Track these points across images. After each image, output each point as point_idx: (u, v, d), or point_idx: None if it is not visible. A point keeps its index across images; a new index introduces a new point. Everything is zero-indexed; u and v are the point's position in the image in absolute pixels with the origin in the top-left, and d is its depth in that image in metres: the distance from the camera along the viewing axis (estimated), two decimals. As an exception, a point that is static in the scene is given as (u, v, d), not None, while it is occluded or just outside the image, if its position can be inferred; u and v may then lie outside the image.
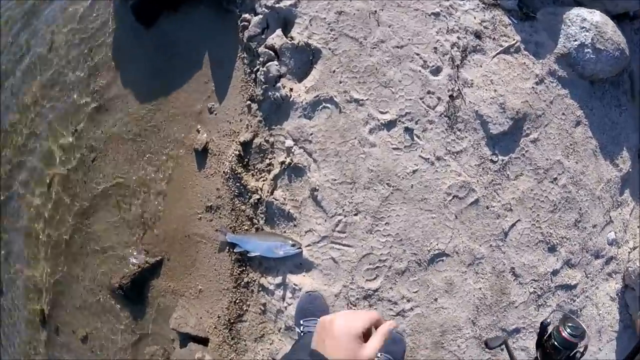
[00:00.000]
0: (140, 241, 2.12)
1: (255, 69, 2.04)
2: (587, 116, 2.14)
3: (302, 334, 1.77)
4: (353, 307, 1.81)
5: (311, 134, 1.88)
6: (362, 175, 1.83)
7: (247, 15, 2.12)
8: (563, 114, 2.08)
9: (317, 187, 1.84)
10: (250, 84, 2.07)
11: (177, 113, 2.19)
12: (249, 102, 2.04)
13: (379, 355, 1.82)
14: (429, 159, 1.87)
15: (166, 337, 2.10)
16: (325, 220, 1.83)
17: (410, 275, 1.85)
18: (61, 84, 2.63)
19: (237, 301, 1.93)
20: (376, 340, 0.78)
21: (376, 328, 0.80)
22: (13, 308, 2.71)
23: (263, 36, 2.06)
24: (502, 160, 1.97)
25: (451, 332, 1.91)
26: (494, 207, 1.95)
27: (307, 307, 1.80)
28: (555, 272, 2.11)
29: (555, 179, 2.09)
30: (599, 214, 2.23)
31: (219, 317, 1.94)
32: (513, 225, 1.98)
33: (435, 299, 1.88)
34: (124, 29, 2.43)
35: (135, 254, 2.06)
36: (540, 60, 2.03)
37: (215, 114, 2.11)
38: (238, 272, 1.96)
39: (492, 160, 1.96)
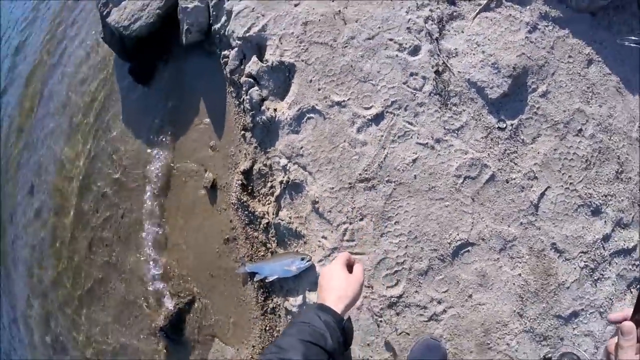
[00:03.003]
0: (169, 284, 1.87)
1: (241, 99, 1.75)
2: (598, 51, 1.55)
3: None
4: (378, 319, 1.39)
5: (301, 148, 1.52)
6: (359, 177, 1.44)
7: (226, 52, 1.85)
8: (569, 56, 1.52)
9: (317, 199, 1.46)
10: (241, 114, 1.77)
11: (186, 160, 1.95)
12: (242, 131, 1.74)
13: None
14: (427, 143, 1.42)
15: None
16: (332, 232, 1.44)
17: (435, 274, 1.39)
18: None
19: (267, 328, 1.59)
20: (358, 267, 0.91)
21: (351, 265, 0.94)
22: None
23: (242, 67, 1.77)
24: (512, 124, 1.46)
25: (496, 330, 1.41)
26: (514, 179, 1.44)
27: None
28: (606, 238, 1.51)
29: (580, 130, 1.52)
30: (644, 159, 1.60)
31: (253, 346, 1.61)
32: (543, 194, 1.45)
33: (470, 296, 1.39)
34: (127, 93, 2.27)
35: (166, 298, 1.83)
36: (527, 7, 1.50)
37: (218, 151, 1.84)
38: (263, 299, 1.63)
39: (499, 128, 1.45)
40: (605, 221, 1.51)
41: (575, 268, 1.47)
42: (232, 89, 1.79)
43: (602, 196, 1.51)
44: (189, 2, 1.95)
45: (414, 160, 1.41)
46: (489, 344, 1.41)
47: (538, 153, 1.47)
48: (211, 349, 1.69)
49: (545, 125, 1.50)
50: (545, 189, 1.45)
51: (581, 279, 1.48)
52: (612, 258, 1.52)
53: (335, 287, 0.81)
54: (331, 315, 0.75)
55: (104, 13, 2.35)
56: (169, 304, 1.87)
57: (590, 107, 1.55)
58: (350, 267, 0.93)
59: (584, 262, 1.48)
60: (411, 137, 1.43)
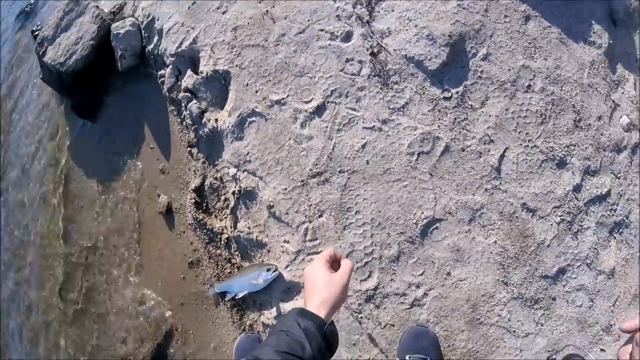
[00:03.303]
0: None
1: (182, 115, 1.65)
2: (534, 7, 1.49)
3: None
4: (358, 315, 1.28)
5: (247, 154, 1.42)
6: (310, 172, 1.34)
7: (162, 71, 1.75)
8: (505, 16, 1.46)
9: (272, 203, 1.36)
10: (184, 131, 1.67)
11: (138, 188, 1.83)
12: (188, 148, 1.63)
13: (407, 358, 1.25)
14: (374, 126, 1.33)
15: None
16: (293, 234, 1.33)
17: (407, 258, 1.28)
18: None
19: (247, 348, 1.46)
20: (345, 265, 0.80)
21: (338, 261, 0.83)
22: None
23: (179, 83, 1.68)
24: (457, 92, 1.38)
25: (483, 304, 1.30)
26: (469, 146, 1.35)
27: (246, 347, 1.31)
28: (577, 188, 1.43)
29: (529, 86, 1.45)
30: (599, 103, 1.54)
31: (236, 369, 1.48)
32: (502, 156, 1.36)
33: (448, 274, 1.29)
34: (74, 132, 2.16)
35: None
36: (453, -27, 1.46)
37: (167, 173, 1.73)
38: (238, 317, 1.49)
39: (445, 98, 1.38)
40: (572, 172, 1.43)
41: (551, 224, 1.38)
42: (172, 107, 1.69)
43: (564, 147, 1.44)
44: (120, 27, 1.87)
45: (364, 146, 1.32)
46: (479, 319, 1.30)
47: (489, 116, 1.39)
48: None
49: (492, 87, 1.43)
50: (504, 151, 1.37)
51: (560, 234, 1.39)
52: (587, 207, 1.44)
53: (317, 289, 0.74)
54: (311, 321, 0.69)
55: (40, 53, 2.26)
56: (146, 341, 1.72)
57: (535, 61, 1.49)
58: (337, 263, 0.84)
59: (560, 216, 1.39)
60: (356, 123, 1.34)
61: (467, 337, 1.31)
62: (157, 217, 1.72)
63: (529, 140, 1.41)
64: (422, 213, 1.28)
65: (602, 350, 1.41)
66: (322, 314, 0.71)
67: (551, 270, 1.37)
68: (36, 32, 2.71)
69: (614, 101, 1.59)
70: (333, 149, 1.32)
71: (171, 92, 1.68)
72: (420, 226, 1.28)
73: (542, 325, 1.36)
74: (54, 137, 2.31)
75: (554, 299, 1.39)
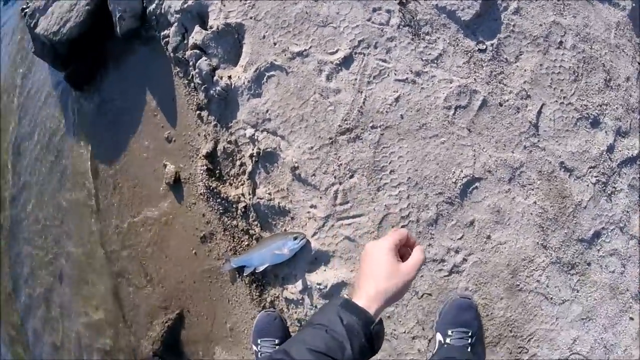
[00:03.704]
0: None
1: (190, 76, 1.47)
2: (565, -39, 1.41)
3: (259, 354, 1.20)
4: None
5: (267, 112, 1.26)
6: (340, 129, 1.19)
7: (165, 32, 1.56)
8: (537, -32, 1.37)
9: (297, 165, 1.21)
10: (192, 93, 1.49)
11: (142, 160, 1.63)
12: (198, 111, 1.46)
13: (450, 332, 1.13)
14: (407, 78, 1.20)
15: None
16: (321, 198, 1.19)
17: (446, 221, 1.16)
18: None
19: (268, 326, 1.31)
20: (416, 256, 0.65)
21: (409, 247, 0.68)
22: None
23: (185, 41, 1.50)
24: (492, 44, 1.27)
25: (523, 269, 1.19)
26: (507, 100, 1.24)
27: (266, 327, 1.21)
28: (610, 148, 1.35)
29: (561, 42, 1.35)
30: (626, 64, 1.46)
31: (256, 350, 1.33)
32: (539, 112, 1.26)
33: (488, 237, 1.17)
34: (70, 106, 1.94)
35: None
36: None
37: (174, 141, 1.55)
38: (258, 294, 1.34)
39: (480, 50, 1.26)
40: (606, 132, 1.35)
41: (588, 185, 1.29)
42: (178, 69, 1.51)
43: (597, 106, 1.35)
44: (117, -13, 1.66)
45: (397, 99, 1.19)
46: (518, 285, 1.20)
47: (525, 71, 1.29)
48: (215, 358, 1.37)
49: (525, 42, 1.32)
50: (541, 107, 1.27)
51: (596, 195, 1.30)
52: (619, 169, 1.36)
53: (376, 277, 0.61)
54: (357, 317, 0.58)
55: (32, 25, 2.03)
56: (156, 324, 1.54)
57: (565, 18, 1.39)
58: (405, 248, 0.68)
59: (595, 177, 1.31)
60: (388, 75, 1.20)
61: (505, 305, 1.21)
62: (166, 190, 1.52)
63: (564, 97, 1.31)
64: (462, 171, 1.16)
65: (631, 318, 1.35)
66: (372, 309, 0.59)
67: (587, 233, 1.28)
68: (26, 9, 2.45)
69: (639, 63, 1.52)
70: (364, 102, 1.18)
71: (177, 52, 1.50)
72: (460, 185, 1.16)
73: (577, 291, 1.27)
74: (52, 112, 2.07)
75: (589, 263, 1.30)
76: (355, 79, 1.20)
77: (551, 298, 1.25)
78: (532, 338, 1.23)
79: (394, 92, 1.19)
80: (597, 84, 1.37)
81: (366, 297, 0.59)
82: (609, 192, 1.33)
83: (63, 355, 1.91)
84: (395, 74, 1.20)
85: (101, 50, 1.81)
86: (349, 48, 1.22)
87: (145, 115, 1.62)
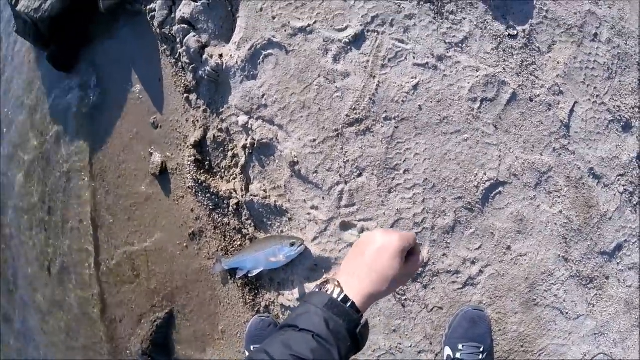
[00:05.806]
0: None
1: (177, 54, 1.18)
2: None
3: None
4: (402, 297, 0.93)
5: (263, 96, 0.99)
6: (347, 119, 0.94)
7: (152, 5, 1.26)
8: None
9: (296, 159, 0.95)
10: (180, 74, 1.20)
11: (126, 147, 1.35)
12: (185, 94, 1.18)
13: (460, 347, 0.93)
14: (427, 63, 0.94)
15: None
16: (324, 198, 0.94)
17: (464, 229, 0.93)
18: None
19: (259, 333, 1.09)
20: (415, 267, 0.58)
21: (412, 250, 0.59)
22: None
23: (173, 15, 1.20)
24: (524, 30, 1.01)
25: (542, 282, 0.97)
26: (538, 95, 0.99)
27: (259, 333, 1.04)
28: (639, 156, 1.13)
29: (596, 35, 1.10)
30: (660, 64, 1.23)
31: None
32: (572, 110, 1.02)
33: (508, 247, 0.95)
34: (52, 88, 1.63)
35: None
36: None
37: (160, 127, 1.27)
38: (251, 298, 1.11)
39: (510, 36, 1.00)
40: (637, 137, 1.12)
41: (615, 195, 1.07)
42: (164, 47, 1.22)
43: (629, 108, 1.11)
44: (99, -47, 1.34)
45: (415, 87, 0.93)
46: (535, 299, 0.99)
47: (558, 63, 1.03)
48: (204, 361, 1.15)
49: (559, 31, 1.06)
50: (574, 105, 1.02)
51: (622, 206, 1.08)
52: (647, 178, 1.14)
53: (378, 275, 0.54)
54: (343, 321, 0.51)
55: (13, 3, 1.71)
56: (145, 323, 1.31)
57: (601, 8, 1.13)
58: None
59: (623, 185, 1.08)
60: (405, 58, 0.94)
61: (519, 320, 1.00)
62: (152, 181, 1.25)
63: (597, 96, 1.07)
64: (485, 174, 0.92)
65: (640, 332, 1.16)
66: (364, 307, 0.53)
67: (610, 245, 1.07)
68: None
69: (670, 63, 1.28)
70: (376, 89, 0.92)
71: (163, 28, 1.20)
72: (482, 190, 0.92)
73: (593, 306, 1.07)
74: (29, 94, 1.76)
75: (607, 277, 1.09)
76: (367, 61, 0.93)
77: (566, 313, 1.04)
78: (542, 353, 1.04)
79: (412, 78, 0.93)
80: (630, 84, 1.13)
81: (362, 295, 0.53)
82: (634, 202, 1.11)
83: (48, 353, 1.67)
84: (414, 57, 0.93)
85: (84, 29, 1.51)
86: (361, 25, 0.95)
87: (129, 98, 1.33)
